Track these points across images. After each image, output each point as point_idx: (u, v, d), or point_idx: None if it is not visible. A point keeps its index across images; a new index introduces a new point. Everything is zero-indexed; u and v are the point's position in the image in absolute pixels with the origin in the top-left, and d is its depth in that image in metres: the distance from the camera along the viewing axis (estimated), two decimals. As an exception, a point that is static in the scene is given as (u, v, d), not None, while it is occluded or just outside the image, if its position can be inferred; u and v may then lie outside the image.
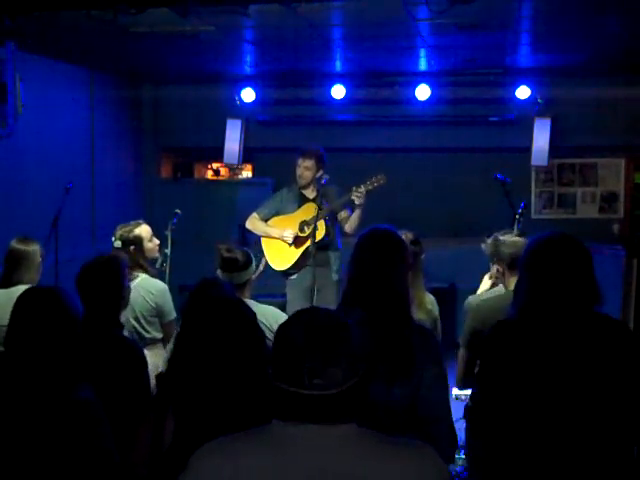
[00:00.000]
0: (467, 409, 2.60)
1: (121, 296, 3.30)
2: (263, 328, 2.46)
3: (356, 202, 5.49)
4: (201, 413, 2.22)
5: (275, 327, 1.76)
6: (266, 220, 5.95)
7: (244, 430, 1.72)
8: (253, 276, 3.91)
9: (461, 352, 3.62)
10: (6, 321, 2.54)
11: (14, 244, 4.24)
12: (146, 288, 4.12)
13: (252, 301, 3.75)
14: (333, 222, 5.77)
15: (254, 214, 6.00)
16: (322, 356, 1.60)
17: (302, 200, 5.88)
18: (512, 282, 3.50)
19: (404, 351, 2.51)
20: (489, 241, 3.79)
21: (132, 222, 4.40)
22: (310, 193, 5.85)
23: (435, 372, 2.54)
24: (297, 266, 5.79)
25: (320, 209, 5.51)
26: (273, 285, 6.03)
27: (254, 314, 2.40)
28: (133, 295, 3.93)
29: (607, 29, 5.58)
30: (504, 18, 5.29)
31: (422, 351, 2.54)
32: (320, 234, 5.55)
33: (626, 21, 5.30)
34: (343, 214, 5.74)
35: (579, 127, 7.75)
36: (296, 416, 1.62)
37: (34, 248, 4.25)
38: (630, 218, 8.15)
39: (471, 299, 3.89)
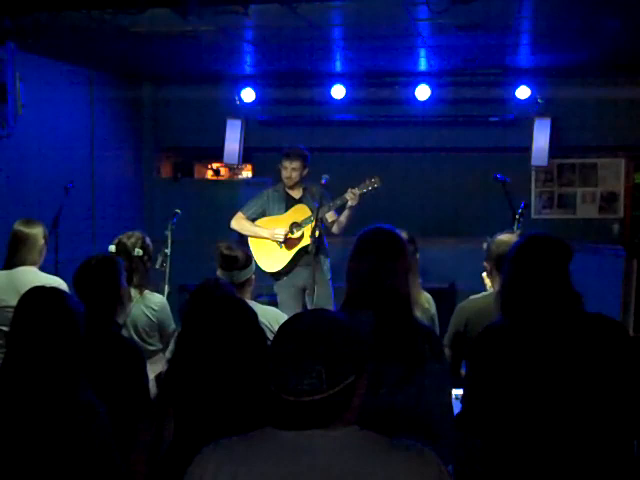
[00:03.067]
0: (458, 415, 2.59)
1: (119, 294, 3.25)
2: (263, 328, 2.46)
3: (350, 203, 5.52)
4: (201, 413, 2.21)
5: (275, 327, 1.77)
6: (253, 220, 5.89)
7: (244, 432, 1.71)
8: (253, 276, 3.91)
9: (446, 351, 3.66)
10: (7, 302, 2.48)
11: (17, 226, 4.16)
12: (148, 304, 4.03)
13: (252, 301, 3.74)
14: (320, 222, 5.76)
15: (239, 213, 5.93)
16: (309, 361, 1.60)
17: (289, 200, 5.84)
18: (497, 281, 3.54)
19: (411, 353, 2.52)
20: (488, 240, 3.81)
21: (135, 231, 4.16)
22: (296, 194, 5.82)
23: (438, 371, 2.55)
24: (289, 268, 5.74)
25: (313, 211, 5.51)
26: (272, 286, 6.01)
27: (255, 314, 2.40)
28: (136, 312, 3.91)
29: (607, 29, 5.58)
30: (504, 18, 5.29)
31: (426, 351, 2.55)
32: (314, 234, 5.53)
33: (626, 21, 5.30)
34: (331, 215, 5.74)
35: (579, 127, 7.74)
36: (292, 423, 1.62)
37: (36, 230, 4.17)
38: (630, 218, 8.15)
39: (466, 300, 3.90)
